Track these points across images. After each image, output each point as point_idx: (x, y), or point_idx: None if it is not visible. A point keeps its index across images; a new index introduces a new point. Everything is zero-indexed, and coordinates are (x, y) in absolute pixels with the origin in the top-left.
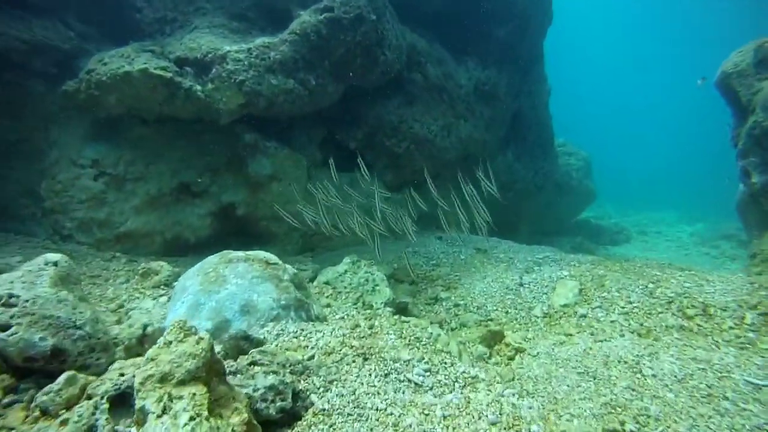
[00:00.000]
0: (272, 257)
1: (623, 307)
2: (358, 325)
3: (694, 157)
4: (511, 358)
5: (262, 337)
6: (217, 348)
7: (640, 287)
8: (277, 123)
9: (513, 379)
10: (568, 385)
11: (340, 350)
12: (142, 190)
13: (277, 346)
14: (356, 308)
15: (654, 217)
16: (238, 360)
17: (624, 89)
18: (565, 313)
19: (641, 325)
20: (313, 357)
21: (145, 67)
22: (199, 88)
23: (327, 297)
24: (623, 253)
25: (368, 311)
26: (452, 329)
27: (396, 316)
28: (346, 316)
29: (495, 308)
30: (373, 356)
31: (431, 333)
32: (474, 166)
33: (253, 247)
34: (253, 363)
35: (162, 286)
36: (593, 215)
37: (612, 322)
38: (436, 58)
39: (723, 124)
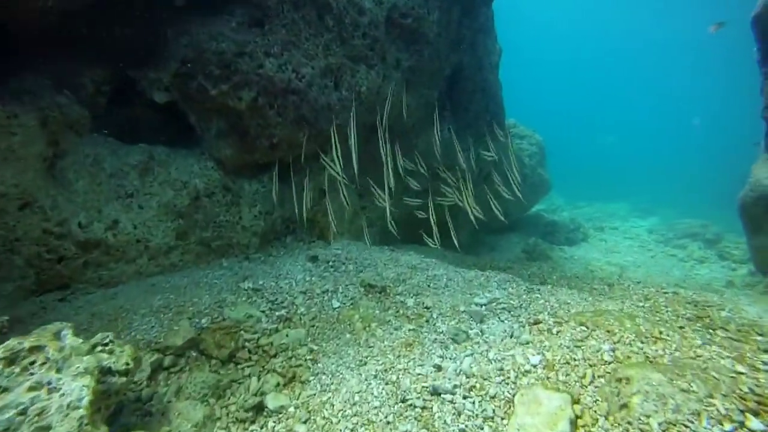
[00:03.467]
0: None
1: None
2: None
3: (645, 147)
4: None
5: None
6: None
7: (712, 418)
8: None
9: None
10: None
11: None
12: None
13: None
14: None
15: (605, 209)
16: None
17: (571, 66)
18: None
19: None
20: None
21: None
22: None
23: None
24: (582, 255)
25: None
26: None
27: None
28: None
29: None
30: None
31: None
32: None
33: None
34: None
35: None
36: (544, 208)
37: None
38: None
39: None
